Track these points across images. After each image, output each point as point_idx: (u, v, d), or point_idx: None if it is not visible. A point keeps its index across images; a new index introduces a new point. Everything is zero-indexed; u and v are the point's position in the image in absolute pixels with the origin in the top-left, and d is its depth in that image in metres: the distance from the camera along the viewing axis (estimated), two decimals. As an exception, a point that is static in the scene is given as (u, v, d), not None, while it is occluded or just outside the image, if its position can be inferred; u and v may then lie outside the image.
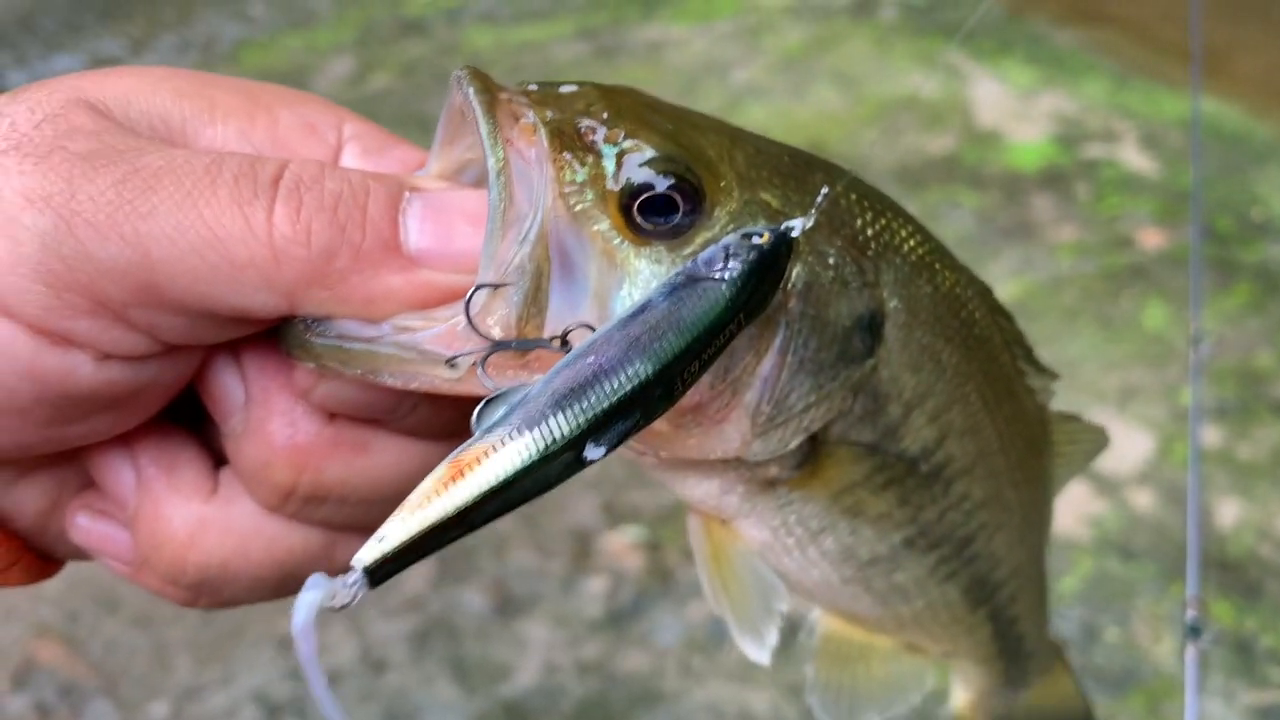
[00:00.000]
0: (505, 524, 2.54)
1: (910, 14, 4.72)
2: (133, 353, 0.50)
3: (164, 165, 0.48)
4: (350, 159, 0.58)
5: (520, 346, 0.51)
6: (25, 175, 0.47)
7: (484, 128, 0.51)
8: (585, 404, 0.46)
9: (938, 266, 0.65)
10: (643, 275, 0.53)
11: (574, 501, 2.59)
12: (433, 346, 0.51)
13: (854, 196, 0.61)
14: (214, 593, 0.57)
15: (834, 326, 0.58)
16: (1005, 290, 3.15)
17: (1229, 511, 2.52)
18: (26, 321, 0.47)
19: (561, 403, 0.46)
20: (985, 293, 0.70)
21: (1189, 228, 3.30)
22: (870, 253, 0.60)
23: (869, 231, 0.60)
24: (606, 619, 2.36)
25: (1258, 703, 2.18)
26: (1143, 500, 2.55)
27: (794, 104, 4.10)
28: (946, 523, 0.72)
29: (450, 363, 0.51)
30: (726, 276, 0.50)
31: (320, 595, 0.42)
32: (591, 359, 0.48)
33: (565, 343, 0.51)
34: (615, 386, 0.47)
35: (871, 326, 0.60)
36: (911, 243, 0.63)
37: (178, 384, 0.54)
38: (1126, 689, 2.22)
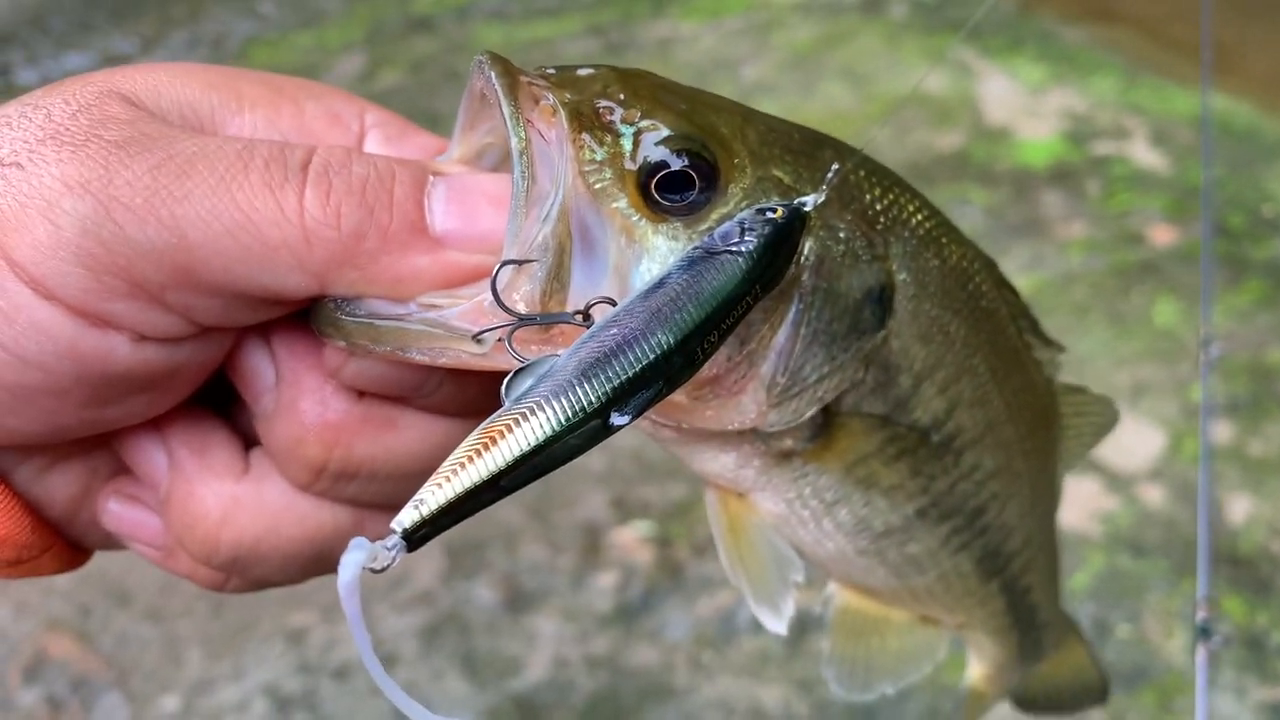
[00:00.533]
0: (515, 518, 2.54)
1: (920, 11, 4.72)
2: (169, 334, 0.51)
3: (197, 151, 0.50)
4: (373, 146, 0.60)
5: (544, 321, 0.53)
6: (64, 163, 0.48)
7: (506, 109, 0.53)
8: (610, 373, 0.48)
9: (945, 240, 0.66)
10: (660, 251, 0.55)
11: (584, 496, 2.60)
12: (460, 323, 0.52)
13: (862, 173, 0.62)
14: (244, 572, 0.59)
15: (845, 299, 0.60)
16: (1016, 286, 3.15)
17: (1240, 507, 2.52)
18: (66, 304, 0.48)
19: (587, 372, 0.48)
20: (991, 266, 0.72)
21: (1199, 224, 3.30)
22: (879, 227, 0.62)
23: (878, 206, 0.62)
24: (616, 614, 2.37)
25: (1270, 699, 2.17)
26: (1154, 496, 2.55)
27: (803, 101, 4.09)
28: (958, 493, 0.74)
29: (477, 338, 0.52)
30: (743, 250, 0.52)
31: (364, 556, 0.44)
32: (615, 330, 0.49)
33: (587, 317, 0.53)
34: (638, 356, 0.48)
35: (882, 299, 0.62)
36: (919, 217, 0.65)
37: (210, 365, 0.56)
38: (1138, 685, 2.21)
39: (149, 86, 0.55)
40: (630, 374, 0.48)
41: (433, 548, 2.49)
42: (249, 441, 0.60)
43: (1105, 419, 0.90)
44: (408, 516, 0.45)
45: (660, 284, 0.51)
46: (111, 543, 0.62)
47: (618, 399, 0.48)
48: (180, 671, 2.30)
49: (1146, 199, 3.51)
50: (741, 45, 4.51)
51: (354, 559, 0.44)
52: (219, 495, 0.57)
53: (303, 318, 0.55)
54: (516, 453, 0.46)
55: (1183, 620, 2.31)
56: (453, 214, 0.53)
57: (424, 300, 0.53)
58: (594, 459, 2.65)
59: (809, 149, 0.60)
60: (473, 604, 2.40)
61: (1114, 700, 2.19)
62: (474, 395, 0.58)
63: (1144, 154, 3.73)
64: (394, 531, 0.45)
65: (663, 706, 2.20)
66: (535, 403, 0.47)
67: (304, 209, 0.50)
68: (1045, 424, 0.83)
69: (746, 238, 0.52)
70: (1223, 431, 2.68)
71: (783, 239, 0.54)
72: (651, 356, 0.49)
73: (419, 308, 0.53)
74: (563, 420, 0.47)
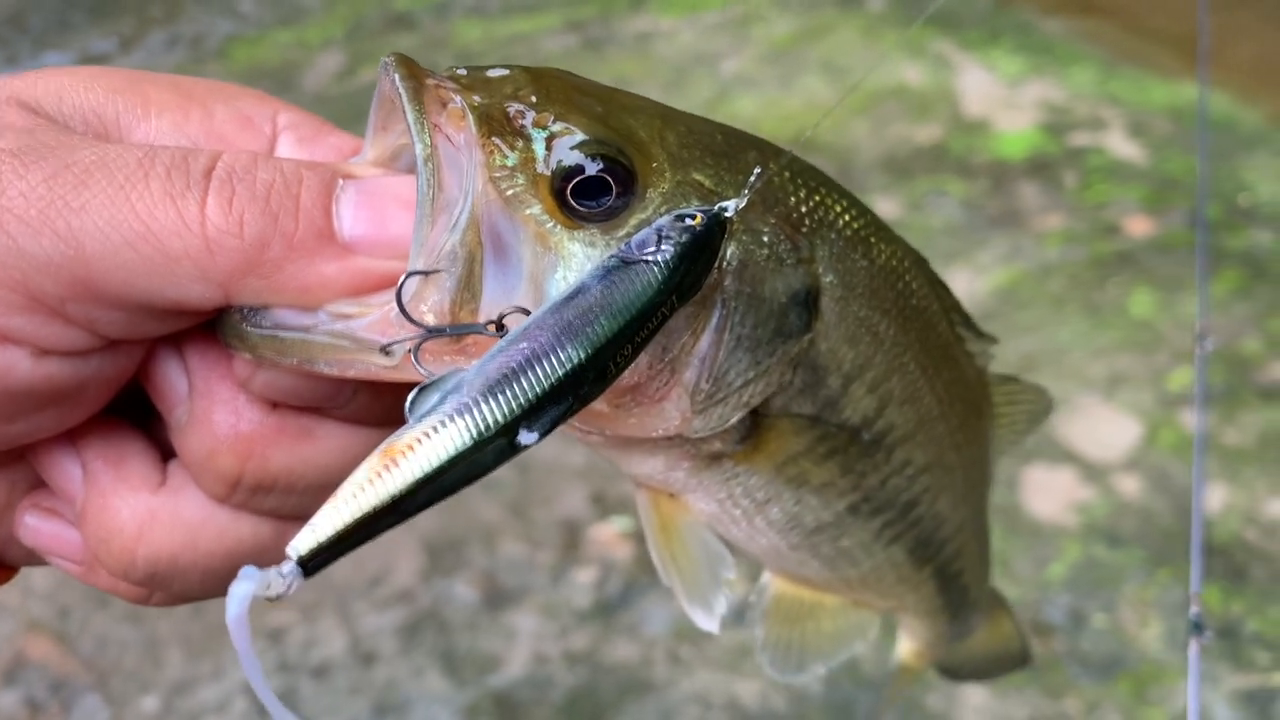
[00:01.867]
0: (494, 515, 2.55)
1: (898, 4, 4.72)
2: (72, 348, 0.50)
3: (96, 160, 0.49)
4: (286, 148, 0.58)
5: (454, 332, 0.51)
6: None
7: (410, 114, 0.51)
8: (517, 390, 0.47)
9: (873, 240, 0.66)
10: (577, 258, 0.53)
11: (563, 492, 2.60)
12: (367, 334, 0.51)
13: (788, 175, 0.61)
14: (165, 587, 0.57)
15: (770, 303, 0.59)
16: (993, 278, 3.16)
17: (1216, 496, 2.53)
18: None
19: (494, 388, 0.46)
20: (921, 263, 0.71)
21: (1176, 215, 3.31)
22: (804, 229, 0.61)
23: (803, 208, 0.61)
24: (595, 609, 2.37)
25: (1244, 686, 2.19)
26: (1129, 486, 2.56)
27: (783, 95, 4.10)
28: (890, 488, 0.74)
29: (385, 350, 0.51)
30: (659, 259, 0.51)
31: (253, 586, 0.42)
32: (524, 345, 0.48)
33: (501, 327, 0.51)
34: (547, 372, 0.47)
35: (807, 301, 0.61)
36: (846, 217, 0.64)
37: (121, 378, 0.54)
38: (1114, 674, 2.23)
39: (50, 92, 0.53)
40: (539, 390, 0.47)
41: (411, 545, 2.49)
42: (167, 453, 0.59)
43: (1039, 407, 0.91)
44: (303, 542, 0.44)
45: (573, 295, 0.50)
46: (35, 558, 0.60)
47: (526, 416, 0.47)
48: (160, 672, 2.30)
49: (1124, 190, 3.52)
50: (720, 40, 4.51)
51: (242, 590, 0.42)
52: (134, 508, 0.55)
53: (214, 325, 0.54)
54: (418, 474, 0.45)
55: (1159, 610, 2.32)
56: (362, 219, 0.52)
57: (333, 309, 0.52)
58: (573, 454, 2.65)
59: (732, 151, 0.59)
60: (452, 601, 2.40)
61: (1090, 689, 2.21)
62: (392, 403, 0.56)
63: (1121, 145, 3.74)
64: (289, 558, 0.44)
65: (641, 701, 2.20)
66: (439, 421, 0.46)
67: (205, 217, 0.48)
68: (977, 414, 0.83)
69: (663, 246, 0.51)
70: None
71: (701, 247, 0.52)
72: (561, 372, 0.47)
73: (328, 316, 0.52)
74: (467, 439, 0.46)
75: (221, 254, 0.49)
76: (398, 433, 0.46)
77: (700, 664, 2.25)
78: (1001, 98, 4.02)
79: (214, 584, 0.57)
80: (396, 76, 0.52)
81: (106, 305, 0.49)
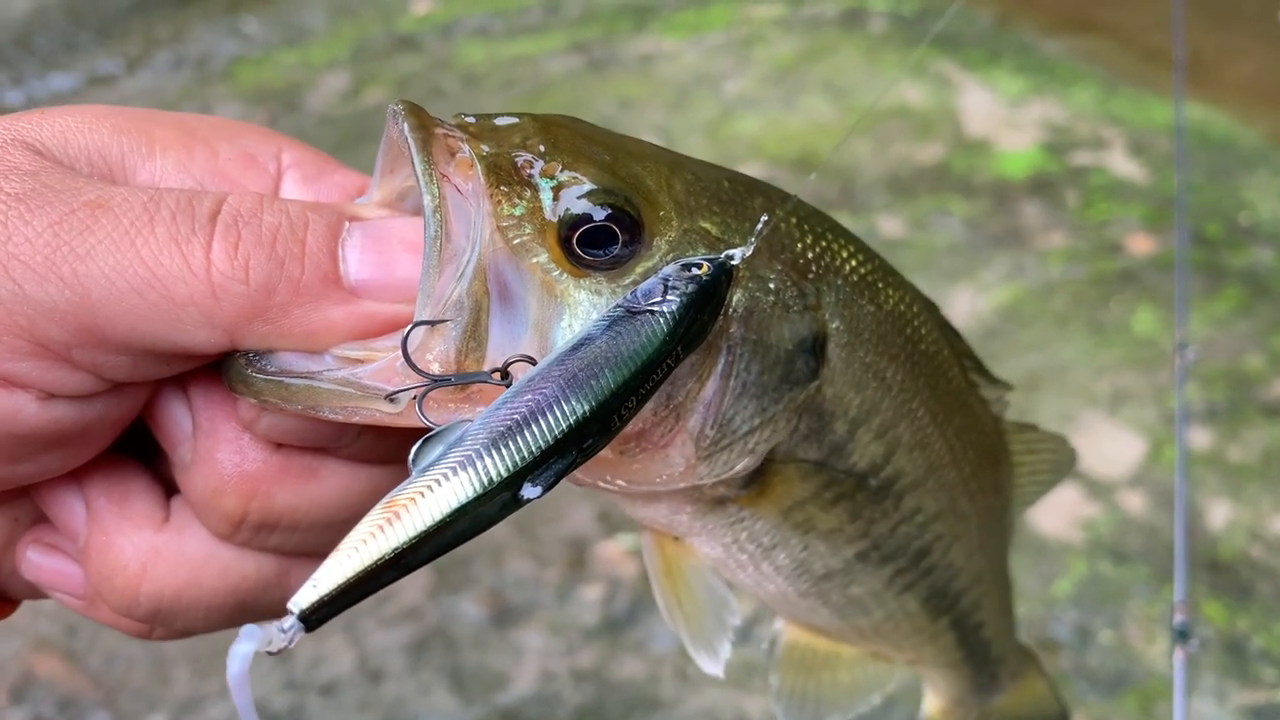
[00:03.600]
0: (501, 533, 2.55)
1: (899, 24, 4.76)
2: (78, 391, 0.50)
3: (101, 204, 0.49)
4: (290, 187, 0.58)
5: (459, 381, 0.51)
6: None
7: (419, 165, 0.51)
8: (521, 443, 0.46)
9: (880, 285, 0.65)
10: (583, 306, 0.53)
11: (570, 510, 2.61)
12: (372, 382, 0.51)
13: (794, 220, 0.61)
14: (168, 623, 0.57)
15: (776, 350, 0.58)
16: (996, 297, 3.17)
17: (1220, 513, 2.54)
18: None
19: (498, 442, 0.46)
20: (931, 308, 0.71)
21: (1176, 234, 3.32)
22: (811, 275, 0.60)
23: (809, 255, 0.61)
24: (602, 626, 2.38)
25: (1250, 702, 2.19)
26: (1134, 503, 2.57)
27: (785, 114, 4.12)
28: (900, 535, 0.72)
29: (390, 398, 0.51)
30: (664, 310, 0.50)
31: (254, 646, 0.42)
32: (528, 397, 0.47)
33: (506, 375, 0.51)
34: (551, 426, 0.47)
35: (815, 348, 0.60)
36: (853, 263, 0.63)
37: (126, 419, 0.54)
38: (1120, 690, 2.23)
39: (55, 134, 0.53)
40: (542, 444, 0.46)
41: (419, 563, 2.50)
42: (171, 490, 0.58)
43: (1061, 456, 0.90)
44: (305, 597, 0.43)
45: (578, 346, 0.49)
46: (36, 592, 0.60)
47: (529, 470, 0.46)
48: (168, 690, 2.30)
49: (1125, 209, 3.54)
50: (723, 60, 4.54)
51: (243, 650, 0.42)
52: (138, 546, 0.55)
53: (220, 366, 0.53)
54: (421, 528, 0.45)
55: (1165, 626, 2.32)
56: (368, 263, 0.51)
57: (339, 352, 0.51)
58: (579, 473, 2.66)
59: (738, 198, 0.59)
60: (459, 619, 2.40)
61: (1097, 705, 2.21)
62: (396, 443, 0.55)
63: (1122, 164, 3.76)
64: (291, 612, 0.43)
65: (649, 718, 2.21)
66: (442, 474, 0.45)
67: (211, 263, 0.48)
68: (993, 463, 0.82)
69: (669, 297, 0.51)
70: (1202, 438, 2.70)
71: (706, 297, 0.52)
72: (565, 426, 0.47)
73: (334, 360, 0.51)
74: (470, 493, 0.45)
75: (227, 299, 0.49)
76: (401, 486, 0.46)
77: (708, 681, 2.25)
78: (1003, 117, 4.04)
79: (217, 619, 0.57)
80: (406, 126, 0.52)
81: (112, 350, 0.49)
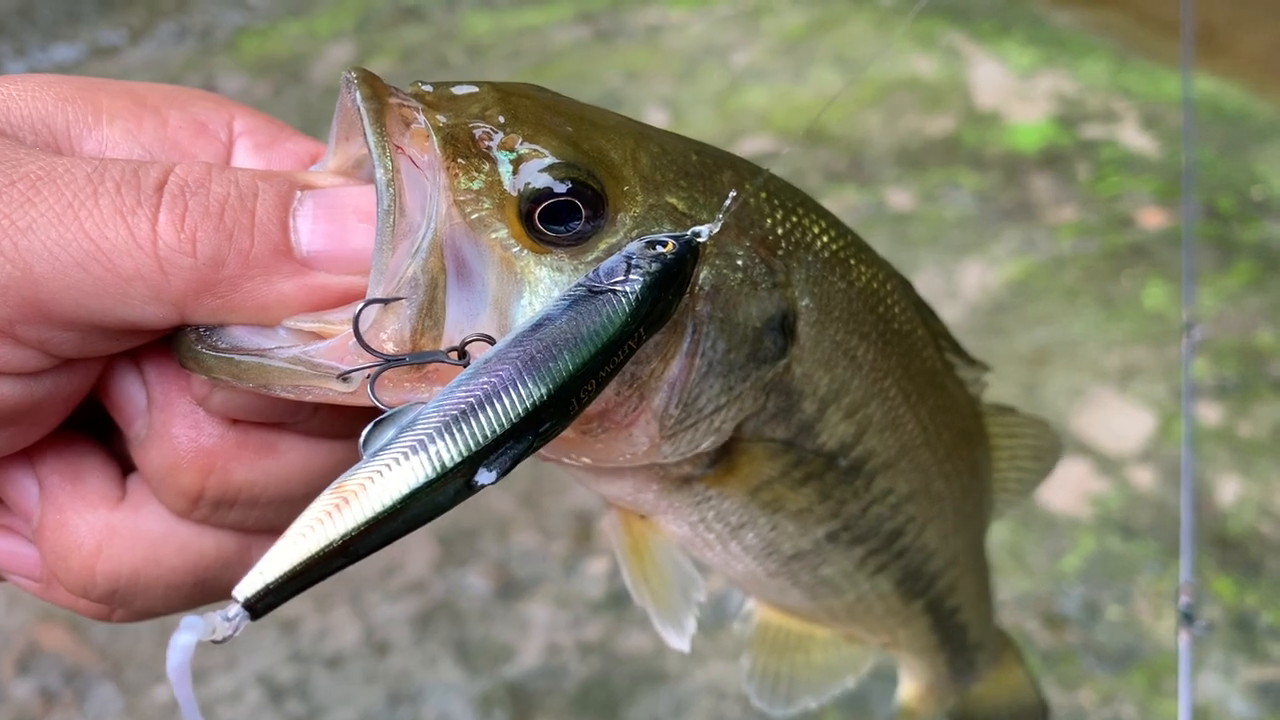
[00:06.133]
0: (507, 507, 2.55)
1: (910, -4, 4.71)
2: (24, 368, 0.48)
3: (43, 174, 0.47)
4: (242, 155, 0.56)
5: (414, 361, 0.49)
6: None
7: (371, 136, 0.49)
8: (475, 427, 0.45)
9: (852, 262, 0.63)
10: (543, 284, 0.51)
11: (574, 483, 2.60)
12: (325, 360, 0.49)
13: (765, 195, 0.59)
14: (126, 603, 0.55)
15: (744, 328, 0.57)
16: (1006, 271, 3.15)
17: (1229, 489, 2.53)
18: None
19: (451, 426, 0.45)
20: (906, 286, 0.70)
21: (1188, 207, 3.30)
22: (781, 252, 0.59)
23: (779, 230, 0.59)
24: (608, 600, 2.37)
25: (1258, 678, 2.18)
26: (1144, 478, 2.55)
27: (794, 86, 4.09)
28: (871, 516, 0.71)
29: (343, 377, 0.49)
30: (627, 290, 0.49)
31: (195, 637, 0.41)
32: (484, 379, 0.46)
33: (463, 355, 0.50)
34: (507, 409, 0.45)
35: (784, 326, 0.59)
36: (825, 239, 0.62)
37: (77, 395, 0.53)
38: (1128, 666, 2.22)
39: None
40: (497, 428, 0.45)
41: (425, 536, 2.49)
42: (127, 467, 0.56)
43: (1043, 443, 0.88)
44: (250, 585, 0.42)
45: (537, 326, 0.48)
46: None
47: (484, 455, 0.45)
48: (173, 662, 2.30)
49: (1136, 182, 3.51)
50: (731, 32, 4.50)
51: (184, 641, 0.41)
52: (93, 525, 0.54)
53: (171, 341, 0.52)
54: (370, 515, 0.43)
55: (1173, 602, 2.31)
56: (320, 233, 0.50)
57: (292, 324, 0.50)
58: (585, 446, 2.65)
59: (706, 172, 0.57)
60: (465, 592, 2.40)
61: (1104, 681, 2.20)
62: (354, 415, 0.54)
63: (1134, 137, 3.73)
64: (235, 600, 0.42)
65: (655, 692, 2.20)
66: (393, 459, 0.44)
67: (157, 236, 0.46)
68: (968, 443, 0.80)
69: (632, 276, 0.49)
70: (1212, 413, 2.68)
71: (671, 276, 0.50)
72: (522, 410, 0.45)
73: (288, 334, 0.50)
74: (422, 478, 0.44)
75: (175, 274, 0.47)
76: (350, 470, 0.44)
77: (714, 655, 2.25)
78: (1014, 90, 4.01)
79: (177, 599, 0.56)
80: (358, 95, 0.50)
81: (58, 326, 0.47)
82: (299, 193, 0.50)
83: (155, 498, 0.54)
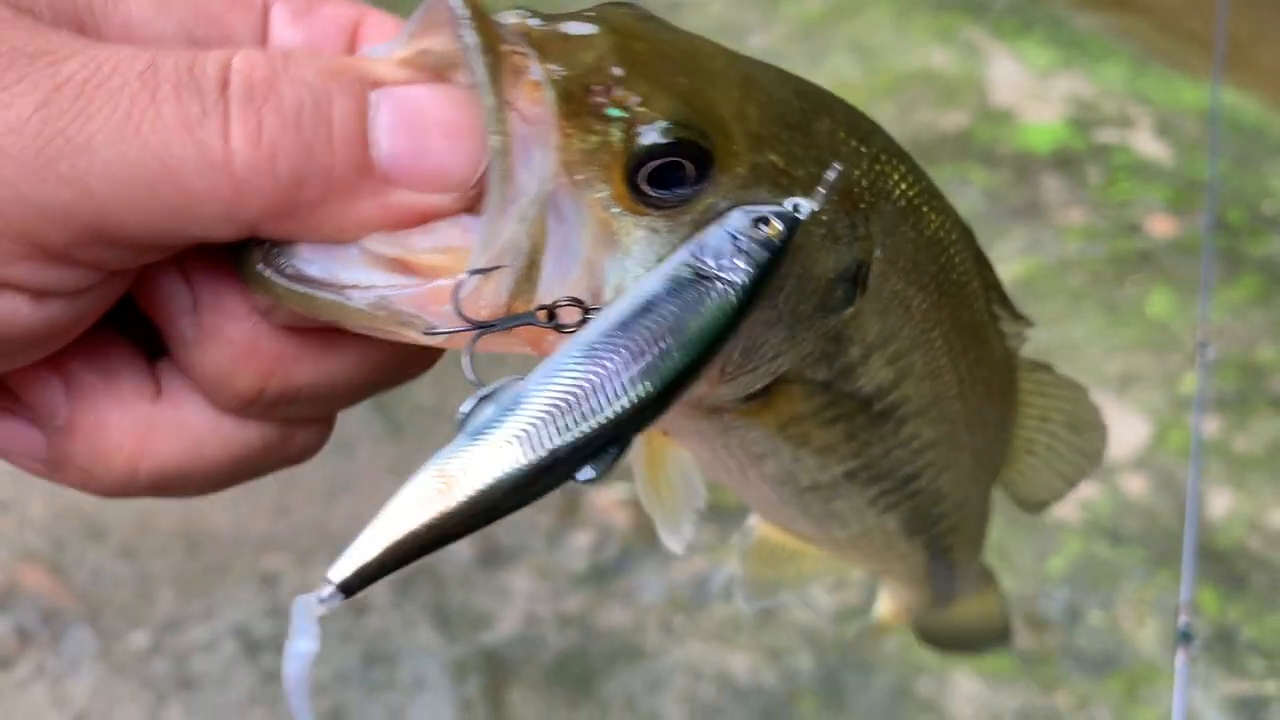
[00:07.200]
0: (495, 475, 2.54)
1: (932, -12, 4.67)
2: (75, 288, 0.45)
3: (91, 77, 0.42)
4: (280, 25, 0.51)
5: (505, 326, 0.47)
6: None
7: (488, 101, 0.45)
8: (582, 423, 0.44)
9: (925, 209, 0.62)
10: (639, 245, 0.49)
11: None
12: (410, 309, 0.47)
13: (853, 142, 0.57)
14: (160, 493, 0.53)
15: (818, 281, 0.55)
16: (1011, 270, 3.13)
17: (1221, 502, 2.52)
18: None
19: (557, 417, 0.43)
20: (969, 235, 0.69)
21: (1199, 217, 3.28)
22: (863, 204, 0.57)
23: (864, 181, 0.57)
24: (590, 574, 2.36)
25: (1236, 692, 2.18)
26: (1135, 486, 2.54)
27: (811, 72, 4.04)
28: (892, 459, 0.71)
29: (428, 332, 0.47)
30: (736, 281, 0.47)
31: (315, 647, 0.41)
32: (591, 369, 0.44)
33: (552, 316, 0.48)
34: (615, 405, 0.44)
35: (856, 277, 0.58)
36: (903, 186, 0.60)
37: (116, 297, 0.49)
38: (1106, 672, 2.22)
39: None
40: (603, 423, 0.44)
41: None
42: (150, 351, 0.53)
43: (1081, 412, 0.86)
44: (345, 568, 0.42)
45: (644, 310, 0.46)
46: None
47: (589, 452, 0.44)
48: (151, 609, 2.30)
49: (1147, 189, 3.49)
50: (750, 13, 4.47)
51: (301, 650, 0.40)
52: (134, 423, 0.50)
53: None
54: (470, 504, 0.42)
55: (1156, 610, 2.31)
56: (401, 146, 0.45)
57: (369, 246, 0.46)
58: (577, 419, 2.64)
59: (805, 121, 0.54)
60: (448, 557, 2.39)
61: (1082, 685, 2.20)
62: None
63: (1148, 144, 3.71)
64: (330, 583, 0.42)
65: (632, 667, 2.20)
66: (500, 443, 0.43)
67: (232, 152, 0.42)
68: (1000, 397, 0.80)
69: (738, 263, 0.47)
70: (1209, 426, 2.67)
71: (778, 262, 0.49)
72: (630, 407, 0.44)
73: (361, 254, 0.46)
74: (526, 470, 0.43)
75: (252, 194, 0.43)
76: (452, 448, 0.43)
77: (692, 634, 2.24)
78: (1030, 89, 3.98)
79: (211, 487, 0.53)
80: (471, 40, 0.45)
81: (117, 247, 0.44)
82: (372, 95, 0.46)
83: (202, 396, 0.51)
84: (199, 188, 0.42)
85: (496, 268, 0.46)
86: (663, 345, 0.45)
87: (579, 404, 0.44)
